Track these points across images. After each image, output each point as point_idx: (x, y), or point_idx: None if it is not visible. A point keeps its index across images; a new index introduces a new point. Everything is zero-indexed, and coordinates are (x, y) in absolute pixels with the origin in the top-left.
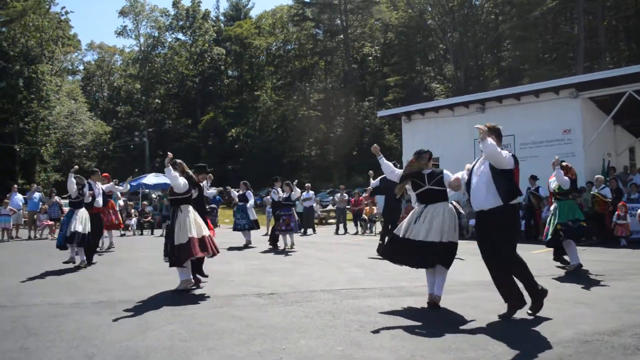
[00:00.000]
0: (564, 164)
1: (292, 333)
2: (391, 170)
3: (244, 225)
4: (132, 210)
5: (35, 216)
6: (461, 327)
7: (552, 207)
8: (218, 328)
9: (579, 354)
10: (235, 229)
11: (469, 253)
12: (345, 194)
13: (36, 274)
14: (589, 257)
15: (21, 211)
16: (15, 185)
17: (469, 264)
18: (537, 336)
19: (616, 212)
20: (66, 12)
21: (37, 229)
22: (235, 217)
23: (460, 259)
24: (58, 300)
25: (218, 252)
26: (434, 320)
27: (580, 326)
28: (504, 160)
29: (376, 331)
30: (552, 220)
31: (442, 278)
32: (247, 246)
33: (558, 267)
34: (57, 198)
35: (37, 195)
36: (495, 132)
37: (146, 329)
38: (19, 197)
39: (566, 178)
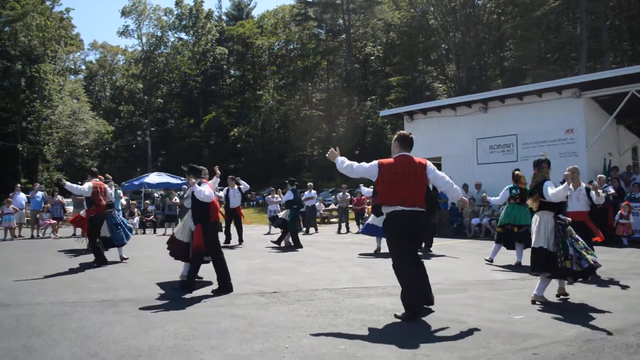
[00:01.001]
0: (516, 173)
1: (295, 332)
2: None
3: None
4: (135, 210)
5: (38, 215)
6: (463, 326)
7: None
8: (221, 327)
9: (581, 353)
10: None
11: (472, 252)
12: (347, 193)
13: (39, 273)
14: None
15: (24, 210)
16: (19, 185)
17: (470, 263)
18: (540, 335)
19: (619, 212)
20: (67, 10)
21: (39, 228)
22: None
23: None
24: (61, 299)
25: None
26: (436, 319)
27: (583, 325)
28: (355, 173)
29: (379, 330)
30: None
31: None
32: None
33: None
34: (59, 197)
35: (39, 194)
36: (399, 139)
37: (149, 327)
38: (22, 196)
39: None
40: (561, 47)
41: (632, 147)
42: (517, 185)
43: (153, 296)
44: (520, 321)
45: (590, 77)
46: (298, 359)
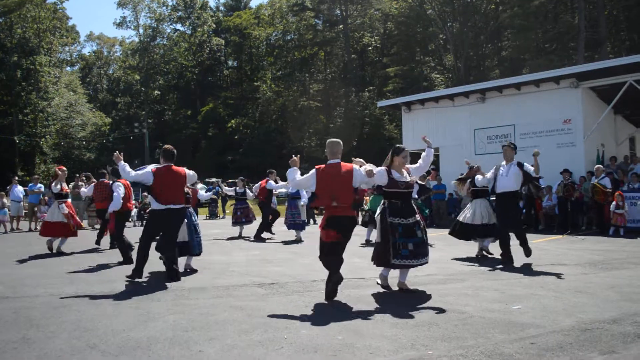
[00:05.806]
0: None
1: (293, 322)
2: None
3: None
4: (133, 201)
5: (35, 208)
6: (461, 316)
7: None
8: (219, 318)
9: (579, 342)
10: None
11: (469, 243)
12: None
13: (37, 265)
14: (590, 246)
15: (22, 203)
16: (16, 177)
17: (468, 253)
18: (537, 324)
19: (613, 202)
20: (61, 1)
21: (37, 220)
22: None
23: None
24: (60, 291)
25: None
26: (434, 308)
27: (581, 315)
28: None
29: (377, 320)
30: None
31: None
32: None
33: None
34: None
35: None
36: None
37: (148, 319)
38: (19, 189)
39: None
40: (559, 37)
41: (630, 137)
42: None
43: (151, 288)
44: (518, 311)
45: (588, 67)
46: (296, 349)
